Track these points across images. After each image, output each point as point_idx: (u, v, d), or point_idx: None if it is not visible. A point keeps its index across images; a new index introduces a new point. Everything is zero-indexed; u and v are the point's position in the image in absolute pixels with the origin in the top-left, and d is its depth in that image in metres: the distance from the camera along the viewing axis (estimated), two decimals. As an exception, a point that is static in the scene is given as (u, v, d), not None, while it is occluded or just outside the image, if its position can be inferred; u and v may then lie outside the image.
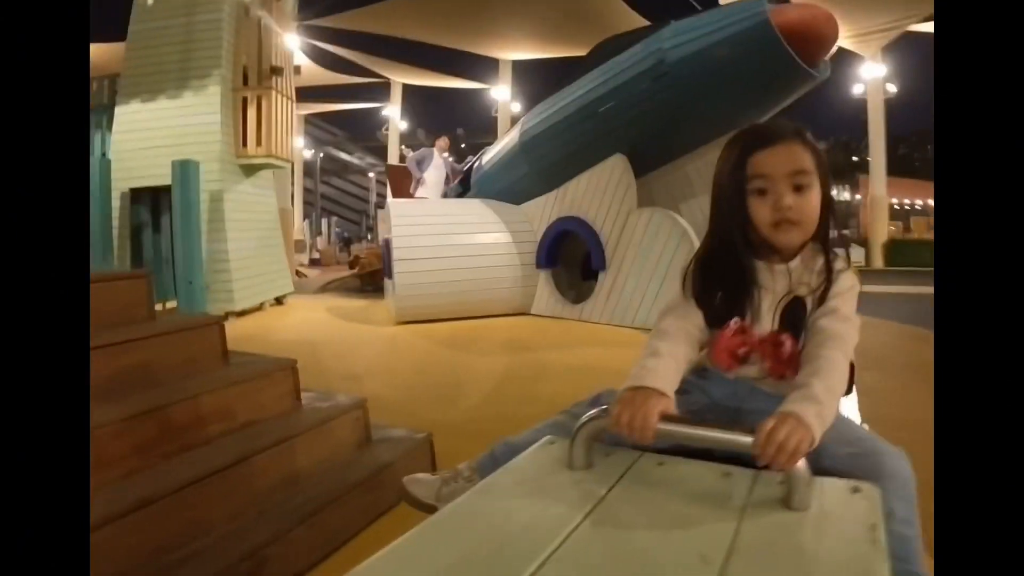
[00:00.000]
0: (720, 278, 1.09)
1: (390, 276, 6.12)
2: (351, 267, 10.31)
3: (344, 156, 34.76)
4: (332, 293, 8.76)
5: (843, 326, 1.02)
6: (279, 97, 6.63)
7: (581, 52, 13.15)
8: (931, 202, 30.89)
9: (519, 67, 18.03)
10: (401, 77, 19.58)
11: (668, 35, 5.08)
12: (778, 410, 0.86)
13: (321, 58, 16.73)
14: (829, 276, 1.06)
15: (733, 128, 4.86)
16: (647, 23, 11.21)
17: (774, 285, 1.08)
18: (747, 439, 0.82)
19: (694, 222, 5.58)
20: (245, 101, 6.46)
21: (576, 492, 0.83)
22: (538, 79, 16.14)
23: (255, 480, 1.78)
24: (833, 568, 0.66)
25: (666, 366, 0.99)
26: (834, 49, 5.09)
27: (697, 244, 5.25)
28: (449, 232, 6.19)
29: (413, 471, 2.15)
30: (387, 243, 6.27)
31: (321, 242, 21.35)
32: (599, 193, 5.85)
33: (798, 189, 1.04)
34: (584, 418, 0.92)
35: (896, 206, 25.12)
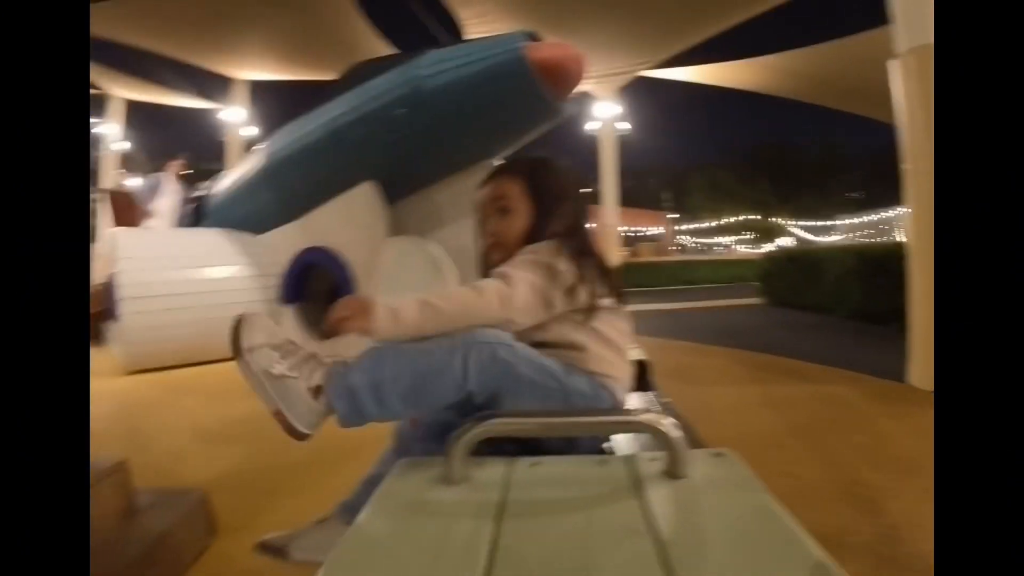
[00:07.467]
0: None
1: (116, 319, 5.40)
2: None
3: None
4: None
5: (492, 280, 1.14)
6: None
7: (325, 76, 12.49)
8: (657, 230, 34.57)
9: (256, 88, 16.73)
10: (121, 90, 17.41)
11: (426, 63, 5.08)
12: None
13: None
14: None
15: (483, 159, 5.05)
16: (395, 51, 11.15)
17: None
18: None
19: (444, 250, 5.67)
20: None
21: (472, 504, 0.82)
22: (277, 102, 15.27)
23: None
24: (748, 516, 0.73)
25: None
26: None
27: (448, 273, 5.34)
28: (185, 266, 5.60)
29: (192, 537, 1.96)
30: (111, 280, 5.53)
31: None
32: (348, 222, 5.67)
33: (503, 213, 1.28)
34: (461, 429, 0.92)
35: (625, 233, 28.10)
